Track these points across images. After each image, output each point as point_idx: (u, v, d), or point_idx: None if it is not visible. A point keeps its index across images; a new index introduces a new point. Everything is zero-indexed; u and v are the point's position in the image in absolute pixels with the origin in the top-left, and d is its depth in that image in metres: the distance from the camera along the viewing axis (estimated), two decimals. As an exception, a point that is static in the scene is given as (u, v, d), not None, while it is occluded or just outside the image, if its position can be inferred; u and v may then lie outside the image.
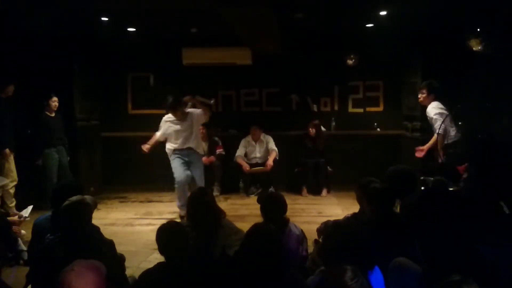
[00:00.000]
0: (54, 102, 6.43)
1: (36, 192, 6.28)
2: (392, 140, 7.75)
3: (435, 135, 5.36)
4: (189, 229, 3.15)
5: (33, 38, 6.43)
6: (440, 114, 5.24)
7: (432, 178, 3.80)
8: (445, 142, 5.23)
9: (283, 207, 3.46)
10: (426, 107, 5.55)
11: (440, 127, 5.13)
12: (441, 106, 5.34)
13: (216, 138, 7.63)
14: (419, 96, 5.55)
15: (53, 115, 6.47)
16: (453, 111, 5.05)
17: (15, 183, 5.85)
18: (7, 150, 5.69)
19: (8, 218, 4.68)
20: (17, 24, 6.01)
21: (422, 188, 4.12)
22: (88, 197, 3.15)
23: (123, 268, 3.24)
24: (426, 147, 5.50)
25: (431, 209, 2.72)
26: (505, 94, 5.30)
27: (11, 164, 5.81)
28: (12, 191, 5.80)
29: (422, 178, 4.48)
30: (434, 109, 5.32)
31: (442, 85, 5.48)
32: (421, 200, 2.80)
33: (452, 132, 5.23)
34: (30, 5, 5.28)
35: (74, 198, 2.97)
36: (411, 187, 3.66)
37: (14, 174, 5.84)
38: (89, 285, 1.98)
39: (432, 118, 5.33)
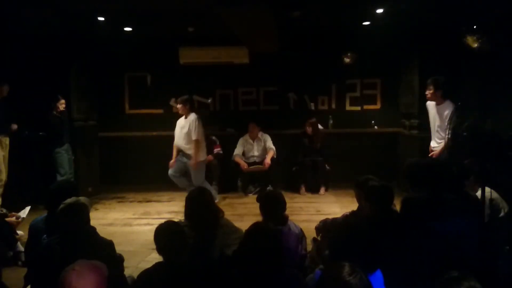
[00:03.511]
0: (62, 104, 6.52)
1: (33, 192, 6.26)
2: (389, 138, 7.75)
3: (437, 132, 5.39)
4: (187, 228, 3.14)
5: (30, 38, 6.41)
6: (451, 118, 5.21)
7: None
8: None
9: (282, 204, 3.47)
10: (425, 104, 5.55)
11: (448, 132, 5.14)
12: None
13: (214, 138, 7.63)
14: (427, 92, 5.51)
15: (62, 115, 6.56)
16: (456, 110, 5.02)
17: (1, 183, 5.83)
18: None
19: (6, 219, 4.67)
20: (14, 24, 5.99)
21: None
22: (82, 198, 3.14)
23: (121, 268, 3.24)
24: (440, 150, 5.43)
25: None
26: (502, 92, 5.32)
27: (1, 165, 5.80)
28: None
29: None
30: (449, 113, 5.24)
31: (446, 81, 5.45)
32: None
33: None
34: (27, 6, 5.26)
35: (70, 200, 2.98)
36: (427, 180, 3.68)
37: (2, 174, 5.83)
38: (89, 285, 1.97)
39: (445, 120, 5.27)
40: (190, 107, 6.58)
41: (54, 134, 6.46)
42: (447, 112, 5.31)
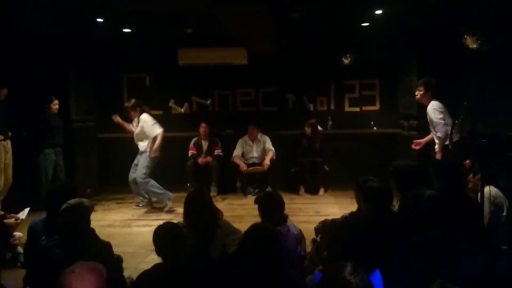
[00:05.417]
0: (55, 105, 6.46)
1: (32, 193, 6.25)
2: (388, 138, 7.75)
3: (432, 133, 5.39)
4: (186, 230, 3.14)
5: (28, 40, 6.40)
6: (442, 118, 5.23)
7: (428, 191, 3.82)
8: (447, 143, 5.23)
9: (281, 206, 3.46)
10: (423, 104, 5.55)
11: (441, 131, 5.16)
12: (441, 106, 5.31)
13: (217, 139, 7.64)
14: (416, 93, 5.53)
15: (53, 116, 6.50)
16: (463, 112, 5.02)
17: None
18: None
19: (5, 220, 4.65)
20: (13, 26, 5.98)
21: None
22: (85, 200, 3.14)
23: (120, 270, 3.24)
24: (423, 140, 5.61)
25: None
26: (500, 92, 5.32)
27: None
28: None
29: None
30: (435, 111, 5.27)
31: (438, 83, 5.47)
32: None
33: (455, 135, 5.20)
34: (26, 7, 5.25)
35: (73, 201, 2.96)
36: (413, 183, 3.70)
37: (0, 180, 5.80)
38: (88, 287, 1.97)
39: (433, 121, 5.30)
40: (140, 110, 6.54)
41: (40, 136, 6.32)
42: (430, 115, 5.35)
